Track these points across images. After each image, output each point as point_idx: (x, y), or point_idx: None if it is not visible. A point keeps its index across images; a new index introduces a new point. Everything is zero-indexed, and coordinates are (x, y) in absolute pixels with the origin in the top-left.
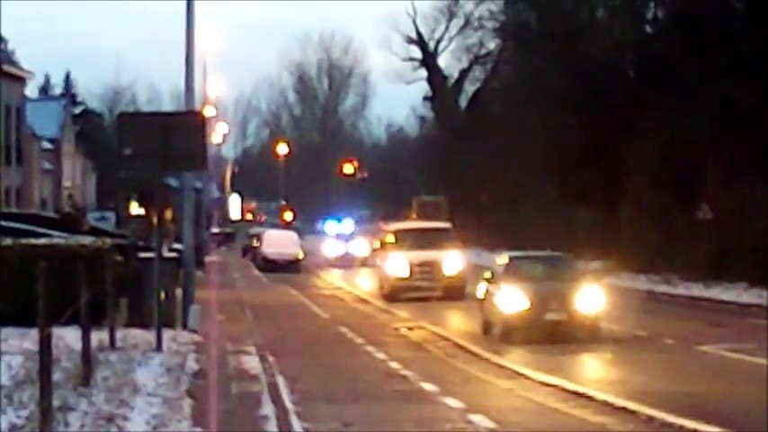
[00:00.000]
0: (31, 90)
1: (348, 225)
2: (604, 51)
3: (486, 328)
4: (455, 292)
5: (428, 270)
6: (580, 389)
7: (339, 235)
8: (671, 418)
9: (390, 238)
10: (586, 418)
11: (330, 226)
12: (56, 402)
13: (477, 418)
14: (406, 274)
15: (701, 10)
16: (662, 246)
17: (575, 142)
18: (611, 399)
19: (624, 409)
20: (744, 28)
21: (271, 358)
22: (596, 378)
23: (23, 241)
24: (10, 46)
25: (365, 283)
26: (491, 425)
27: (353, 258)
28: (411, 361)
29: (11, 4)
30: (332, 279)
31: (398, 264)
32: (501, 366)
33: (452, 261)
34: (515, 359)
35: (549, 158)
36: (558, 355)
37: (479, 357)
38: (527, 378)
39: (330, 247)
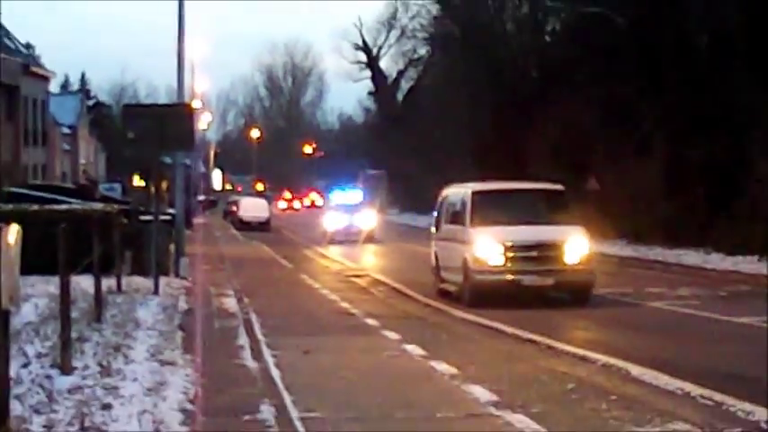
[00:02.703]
0: (54, 87)
1: (355, 195)
2: (513, 56)
3: None
4: (578, 291)
5: (534, 256)
6: None
7: (341, 206)
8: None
9: (459, 205)
10: None
11: (335, 196)
12: (74, 335)
13: None
14: (499, 261)
15: (589, 24)
16: None
17: (489, 129)
18: None
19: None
20: (624, 38)
21: (246, 299)
22: None
23: (48, 207)
24: (36, 51)
25: (382, 265)
26: None
27: (358, 232)
28: None
29: (38, 18)
30: (334, 256)
31: (484, 245)
32: None
33: (574, 242)
34: None
35: (469, 142)
36: None
37: None
38: None
39: (331, 220)
